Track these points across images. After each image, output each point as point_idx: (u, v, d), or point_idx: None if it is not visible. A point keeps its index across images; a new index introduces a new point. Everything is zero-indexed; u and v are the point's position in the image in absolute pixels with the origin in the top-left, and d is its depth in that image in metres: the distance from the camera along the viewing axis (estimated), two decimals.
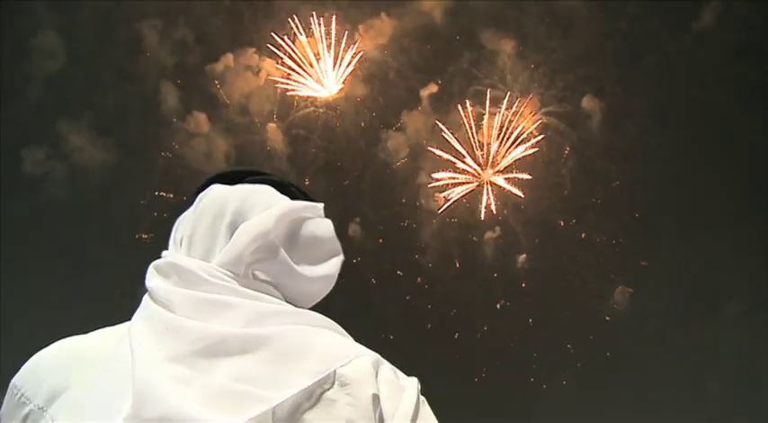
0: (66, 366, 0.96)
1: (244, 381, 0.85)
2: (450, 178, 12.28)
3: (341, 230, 1.20)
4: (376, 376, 0.94)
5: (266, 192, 1.12)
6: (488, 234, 12.28)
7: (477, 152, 12.39)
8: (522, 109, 12.36)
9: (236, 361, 0.87)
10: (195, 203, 1.11)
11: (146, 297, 1.00)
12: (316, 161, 13.15)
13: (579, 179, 12.40)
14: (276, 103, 13.36)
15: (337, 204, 13.12)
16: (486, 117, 12.38)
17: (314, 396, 0.87)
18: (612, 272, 12.11)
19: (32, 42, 11.10)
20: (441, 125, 12.24)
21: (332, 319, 1.05)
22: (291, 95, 12.94)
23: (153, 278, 1.01)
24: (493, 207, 12.34)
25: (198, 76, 12.95)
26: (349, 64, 12.49)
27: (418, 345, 11.39)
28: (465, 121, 12.35)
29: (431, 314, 11.83)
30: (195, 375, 0.85)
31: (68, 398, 0.91)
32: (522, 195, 12.20)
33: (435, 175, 12.25)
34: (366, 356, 0.96)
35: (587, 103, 12.35)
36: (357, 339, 1.04)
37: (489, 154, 12.33)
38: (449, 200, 12.25)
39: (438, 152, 12.16)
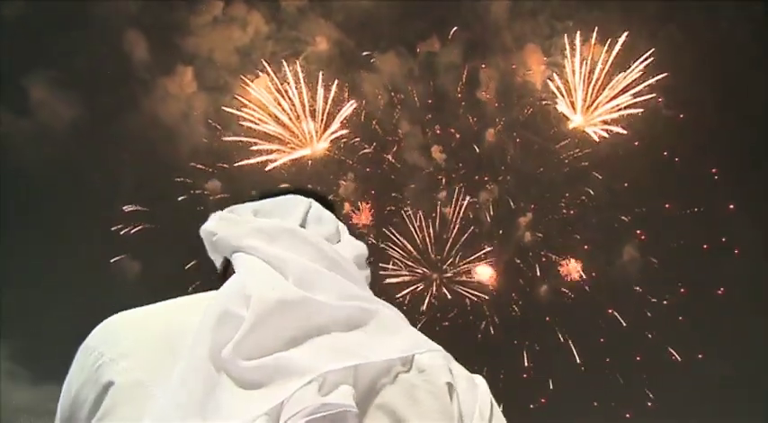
0: (136, 331, 0.95)
1: (343, 342, 0.89)
2: None
3: None
4: (449, 369, 0.96)
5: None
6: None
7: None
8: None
9: (341, 330, 0.91)
10: (309, 204, 1.19)
11: (247, 258, 1.00)
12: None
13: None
14: (264, 57, 12.59)
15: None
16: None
17: (391, 374, 0.89)
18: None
19: None
20: None
21: None
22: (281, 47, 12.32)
23: (254, 237, 1.02)
24: None
25: (176, 28, 12.12)
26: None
27: None
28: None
29: None
30: (304, 338, 0.88)
31: (144, 356, 0.91)
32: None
33: None
34: (439, 351, 0.99)
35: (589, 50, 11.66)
36: None
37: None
38: None
39: None
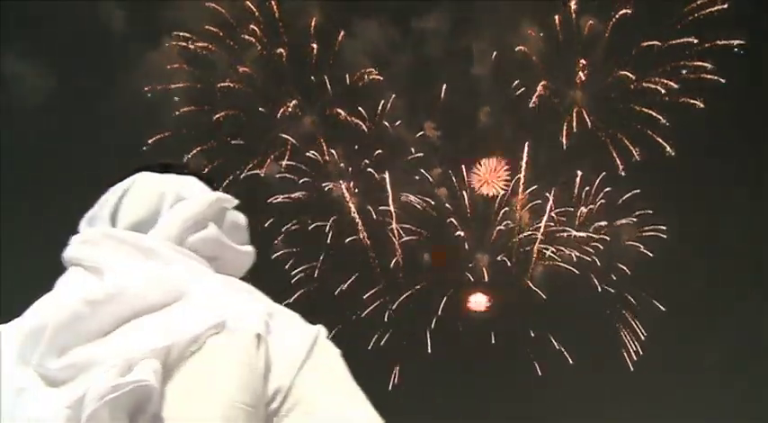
0: None
1: (151, 325, 0.92)
2: None
3: None
4: (268, 323, 0.97)
5: (196, 182, 1.26)
6: None
7: None
8: None
9: (151, 313, 0.95)
10: (125, 187, 1.20)
11: (69, 270, 1.06)
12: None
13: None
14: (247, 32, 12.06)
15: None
16: None
17: (199, 340, 0.91)
18: None
19: None
20: None
21: None
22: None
23: (79, 249, 1.07)
24: None
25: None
26: None
27: None
28: None
29: None
30: (112, 330, 0.92)
31: None
32: None
33: None
34: (261, 307, 1.01)
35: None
36: None
37: None
38: None
39: None
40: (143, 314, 0.94)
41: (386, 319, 11.97)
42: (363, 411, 0.92)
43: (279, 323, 0.98)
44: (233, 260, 1.19)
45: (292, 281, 12.14)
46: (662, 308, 11.20)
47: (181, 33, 11.50)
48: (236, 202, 1.27)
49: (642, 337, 11.29)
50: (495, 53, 12.08)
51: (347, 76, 12.32)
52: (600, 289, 11.76)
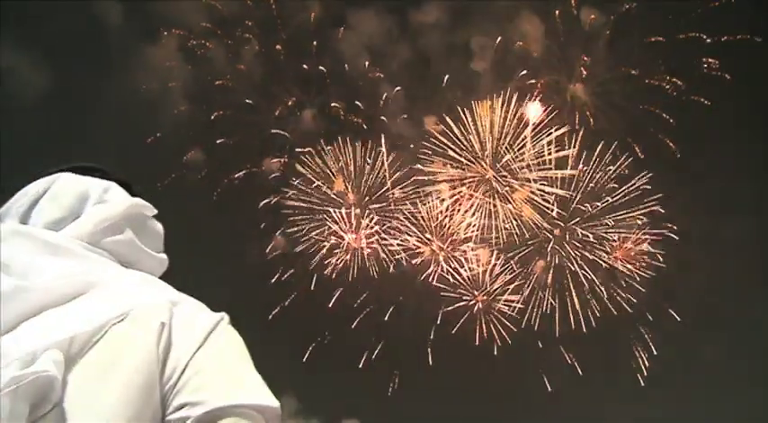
0: None
1: (57, 317, 0.95)
2: None
3: None
4: (172, 310, 1.02)
5: (118, 188, 1.29)
6: None
7: None
8: None
9: (58, 305, 0.97)
10: (45, 186, 1.21)
11: None
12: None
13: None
14: (246, 30, 11.95)
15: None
16: None
17: (102, 329, 0.94)
18: None
19: None
20: None
21: None
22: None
23: None
24: None
25: None
26: None
27: None
28: None
29: None
30: (18, 324, 0.93)
31: None
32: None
33: None
34: (166, 297, 1.05)
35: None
36: None
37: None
38: None
39: None
40: (50, 308, 0.96)
41: (386, 319, 11.96)
42: (252, 389, 0.98)
43: (183, 311, 1.05)
44: (147, 265, 1.23)
45: (292, 281, 12.12)
46: (678, 317, 11.02)
47: (178, 31, 11.43)
48: (154, 211, 1.31)
49: (650, 343, 11.20)
50: (497, 40, 11.93)
51: (346, 65, 12.22)
52: (605, 292, 11.74)
